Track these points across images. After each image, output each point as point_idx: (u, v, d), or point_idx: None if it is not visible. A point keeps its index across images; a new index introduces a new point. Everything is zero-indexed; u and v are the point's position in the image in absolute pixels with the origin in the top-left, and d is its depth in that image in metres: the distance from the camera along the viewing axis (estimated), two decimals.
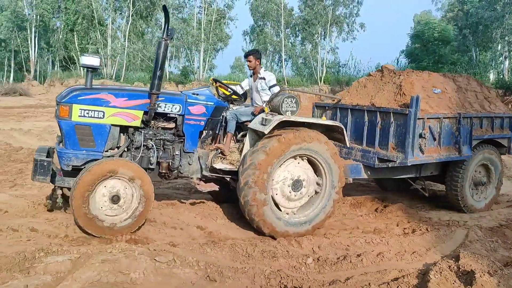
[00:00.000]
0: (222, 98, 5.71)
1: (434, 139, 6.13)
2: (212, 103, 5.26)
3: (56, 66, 37.81)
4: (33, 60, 35.46)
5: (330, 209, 5.46)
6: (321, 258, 4.45)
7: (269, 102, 5.31)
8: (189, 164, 5.23)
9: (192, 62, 38.41)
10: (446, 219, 6.38)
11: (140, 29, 37.20)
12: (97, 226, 4.41)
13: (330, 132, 5.69)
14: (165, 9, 4.69)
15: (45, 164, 4.52)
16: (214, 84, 5.85)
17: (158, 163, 5.05)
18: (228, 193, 6.06)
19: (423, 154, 6.01)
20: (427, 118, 5.96)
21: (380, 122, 6.17)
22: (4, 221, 4.86)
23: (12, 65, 38.40)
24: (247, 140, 5.37)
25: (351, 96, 6.92)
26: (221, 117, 5.43)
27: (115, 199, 4.47)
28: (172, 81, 34.14)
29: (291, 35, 37.90)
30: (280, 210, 5.28)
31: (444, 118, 6.13)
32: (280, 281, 3.80)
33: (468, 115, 6.38)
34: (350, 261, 4.39)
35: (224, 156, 5.38)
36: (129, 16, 35.26)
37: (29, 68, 35.65)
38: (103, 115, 4.65)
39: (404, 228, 5.86)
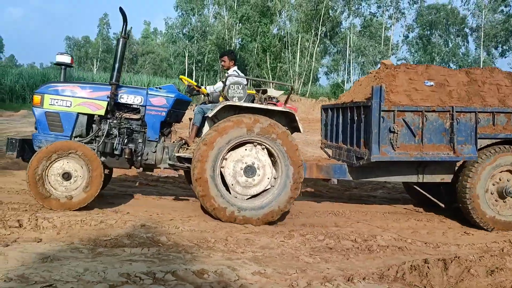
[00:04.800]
0: (189, 94, 6.34)
1: (414, 135, 5.47)
2: (173, 96, 5.57)
3: (249, 82, 42.87)
4: None
5: (284, 203, 5.36)
6: None
7: (222, 91, 5.76)
8: (153, 152, 5.57)
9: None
10: None
11: (324, 47, 39.06)
12: (39, 192, 4.87)
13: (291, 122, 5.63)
14: (121, 10, 5.18)
15: (13, 142, 5.18)
16: (182, 80, 6.57)
17: (122, 150, 5.41)
18: None
19: (394, 151, 5.45)
20: (399, 111, 5.40)
21: (356, 118, 5.88)
22: None
23: (205, 81, 45.08)
24: (206, 128, 5.85)
25: (349, 95, 6.66)
26: (185, 110, 6.01)
27: (65, 176, 4.98)
28: (324, 96, 34.05)
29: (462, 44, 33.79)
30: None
31: (427, 111, 5.41)
32: None
33: (468, 110, 5.42)
34: None
35: (188, 147, 5.69)
36: (316, 35, 37.54)
37: None
38: (70, 104, 5.28)
39: None
